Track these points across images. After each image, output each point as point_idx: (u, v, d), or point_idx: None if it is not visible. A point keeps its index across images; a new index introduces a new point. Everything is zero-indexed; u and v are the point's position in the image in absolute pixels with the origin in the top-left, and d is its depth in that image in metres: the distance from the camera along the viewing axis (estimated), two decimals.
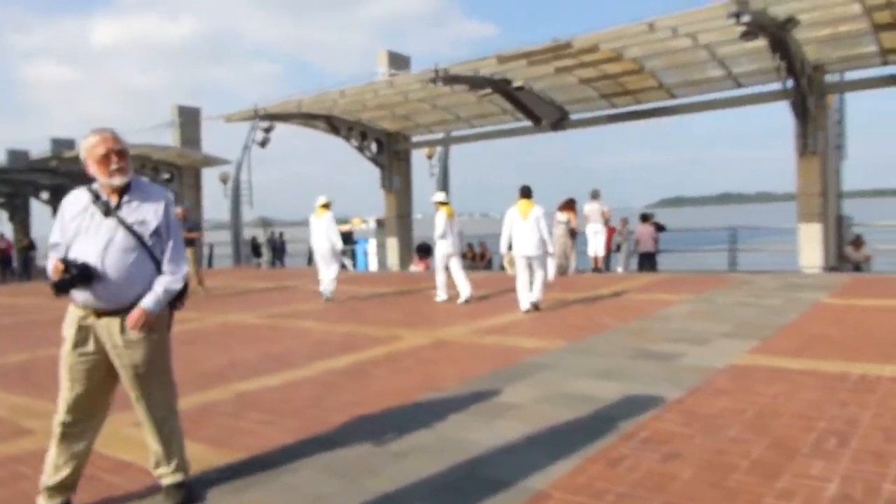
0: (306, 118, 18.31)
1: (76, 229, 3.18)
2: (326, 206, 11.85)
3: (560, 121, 17.21)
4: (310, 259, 13.99)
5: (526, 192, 9.52)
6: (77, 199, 3.29)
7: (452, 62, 13.38)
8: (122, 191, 3.25)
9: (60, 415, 3.25)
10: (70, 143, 30.15)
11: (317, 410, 4.91)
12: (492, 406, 4.78)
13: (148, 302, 3.25)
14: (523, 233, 9.33)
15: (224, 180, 25.37)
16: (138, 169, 24.09)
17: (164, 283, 3.30)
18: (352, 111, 17.96)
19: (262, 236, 25.86)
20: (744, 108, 16.22)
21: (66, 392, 3.24)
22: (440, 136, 20.46)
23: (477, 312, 9.65)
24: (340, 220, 24.88)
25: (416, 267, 19.02)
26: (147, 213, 3.26)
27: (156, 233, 3.26)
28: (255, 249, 25.42)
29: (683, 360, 6.00)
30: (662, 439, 3.91)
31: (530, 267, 9.40)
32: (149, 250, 3.24)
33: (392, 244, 20.30)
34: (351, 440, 4.15)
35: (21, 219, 32.32)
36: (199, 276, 14.26)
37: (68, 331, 3.24)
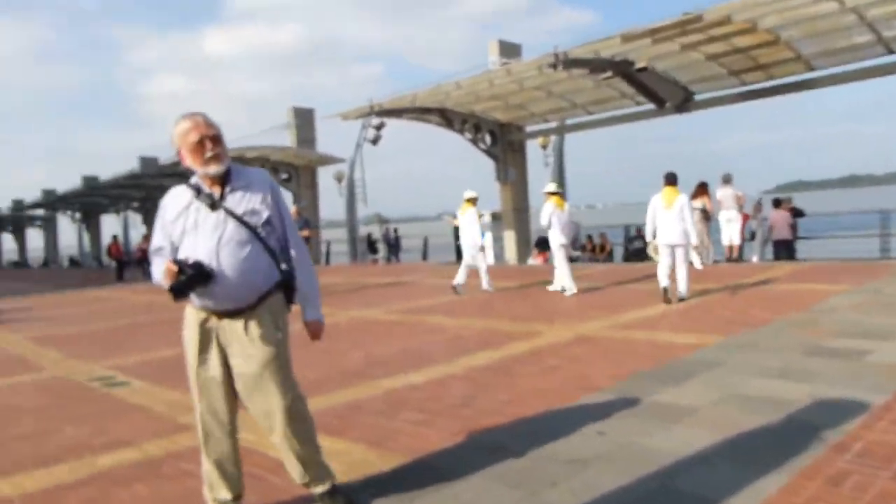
0: (420, 112, 18.27)
1: (182, 228, 2.92)
2: (472, 200, 11.70)
3: (684, 102, 16.26)
4: (459, 254, 13.91)
5: (671, 180, 9.06)
6: (178, 196, 3.01)
7: (573, 45, 12.85)
8: (223, 180, 2.96)
9: (202, 426, 3.02)
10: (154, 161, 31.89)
11: (470, 410, 4.64)
12: (663, 409, 4.34)
13: (314, 312, 3.11)
14: (667, 221, 8.94)
15: (339, 179, 25.88)
16: None
17: (306, 279, 3.09)
18: (465, 103, 17.74)
19: (377, 233, 26.20)
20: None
21: (200, 402, 3.01)
22: (554, 124, 19.90)
23: (613, 305, 9.15)
24: (453, 215, 24.84)
25: (534, 260, 18.60)
26: (255, 202, 2.97)
27: (268, 222, 2.98)
28: (371, 246, 25.77)
29: (870, 357, 5.30)
30: (886, 454, 3.35)
31: (673, 256, 8.96)
32: (262, 241, 2.95)
33: (509, 237, 19.97)
34: (517, 445, 3.84)
35: (153, 220, 34.36)
36: None
37: (190, 336, 2.99)
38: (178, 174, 28.23)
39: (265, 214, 2.98)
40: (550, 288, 11.18)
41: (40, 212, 47.48)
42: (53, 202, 41.96)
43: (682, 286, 8.95)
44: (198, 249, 2.85)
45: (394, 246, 24.84)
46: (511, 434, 4.06)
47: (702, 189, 13.57)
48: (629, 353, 6.17)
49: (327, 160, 25.16)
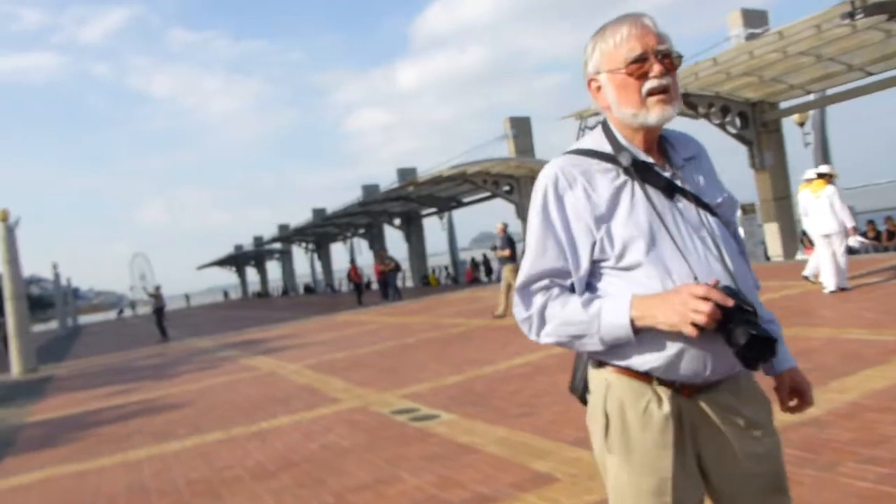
0: None
1: (627, 228, 1.59)
2: (826, 176, 9.54)
3: None
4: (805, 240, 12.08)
5: None
6: (587, 173, 1.63)
7: None
8: (658, 141, 1.72)
9: None
10: (412, 171, 32.56)
11: None
12: None
13: (788, 356, 1.73)
14: None
15: None
16: (480, 185, 24.70)
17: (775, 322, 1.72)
18: (711, 84, 15.78)
19: None
20: None
21: None
22: (812, 97, 17.21)
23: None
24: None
25: (804, 255, 16.05)
26: (714, 185, 1.74)
27: (732, 221, 1.76)
28: None
29: None
30: None
31: None
32: (744, 254, 1.74)
33: (771, 230, 17.50)
34: None
35: (379, 246, 35.72)
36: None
37: (642, 437, 1.58)
38: (401, 198, 28.97)
39: (735, 207, 1.77)
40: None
41: (277, 245, 51.82)
42: (289, 235, 45.46)
43: None
44: (683, 269, 1.57)
45: None
46: None
47: None
48: None
49: None
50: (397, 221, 33.44)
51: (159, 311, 22.24)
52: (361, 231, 37.07)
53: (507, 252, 12.98)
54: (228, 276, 71.37)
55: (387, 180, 35.23)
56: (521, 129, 25.20)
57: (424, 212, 32.26)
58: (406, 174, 32.00)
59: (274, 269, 58.95)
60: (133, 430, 7.32)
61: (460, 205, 29.99)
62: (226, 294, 70.44)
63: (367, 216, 34.74)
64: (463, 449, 4.76)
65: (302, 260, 50.89)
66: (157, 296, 22.59)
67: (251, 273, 65.05)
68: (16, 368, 16.51)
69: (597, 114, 17.56)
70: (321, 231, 41.02)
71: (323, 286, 44.62)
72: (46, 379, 14.68)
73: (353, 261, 27.56)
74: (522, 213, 25.11)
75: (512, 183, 24.88)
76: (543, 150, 25.94)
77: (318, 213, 42.19)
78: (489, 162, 23.47)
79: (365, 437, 5.51)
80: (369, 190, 35.81)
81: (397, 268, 24.66)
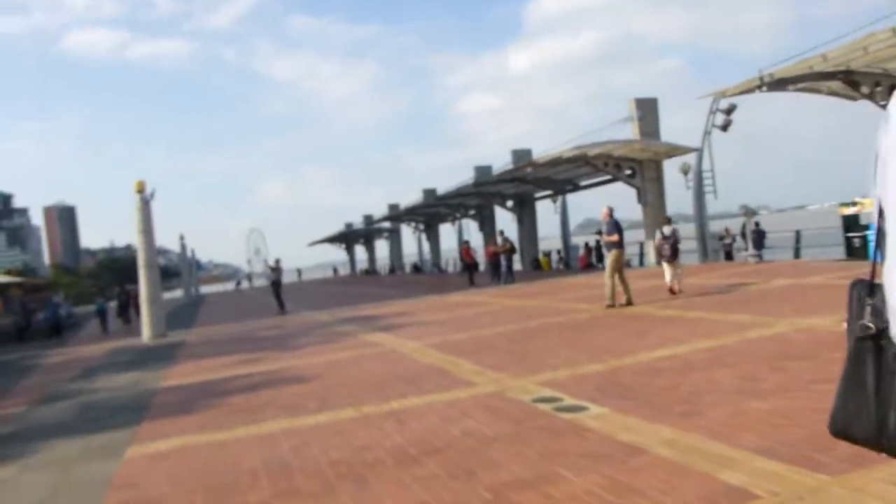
0: (815, 79, 15.14)
1: None
2: None
3: None
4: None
5: None
6: None
7: None
8: None
9: None
10: (527, 153, 31.90)
11: None
12: None
13: None
14: None
15: (684, 171, 23.49)
16: (601, 167, 23.73)
17: None
18: (881, 60, 14.16)
19: (735, 227, 23.30)
20: None
21: None
22: None
23: None
24: (844, 204, 20.83)
25: None
26: None
27: None
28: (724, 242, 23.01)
29: None
30: None
31: None
32: None
33: None
34: None
35: (489, 227, 35.34)
36: (674, 283, 12.48)
37: None
38: (516, 179, 28.39)
39: None
40: None
41: (386, 224, 52.56)
42: (399, 215, 45.95)
43: None
44: None
45: (757, 241, 21.64)
46: None
47: None
48: None
49: (676, 150, 22.92)
50: (510, 203, 32.92)
51: (277, 284, 22.81)
52: (472, 212, 36.82)
53: (614, 237, 12.19)
54: (337, 253, 73.46)
55: (496, 163, 34.67)
56: (647, 110, 23.97)
57: (538, 194, 31.55)
58: (521, 156, 31.38)
59: (381, 247, 60.13)
60: (264, 401, 7.25)
61: (577, 188, 29.06)
62: (335, 270, 72.38)
63: (478, 197, 34.44)
64: (627, 449, 4.25)
65: (410, 239, 51.30)
66: (276, 269, 23.18)
67: (360, 251, 66.54)
68: (147, 333, 17.32)
69: (743, 91, 16.32)
70: (431, 211, 41.15)
71: (430, 266, 44.81)
72: (176, 345, 15.26)
73: (466, 241, 27.28)
74: (642, 199, 23.98)
75: (634, 166, 23.78)
76: (666, 133, 24.54)
77: (429, 193, 42.31)
78: (612, 144, 22.50)
79: (509, 426, 5.09)
80: (482, 171, 35.45)
81: (513, 249, 24.15)
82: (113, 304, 29.58)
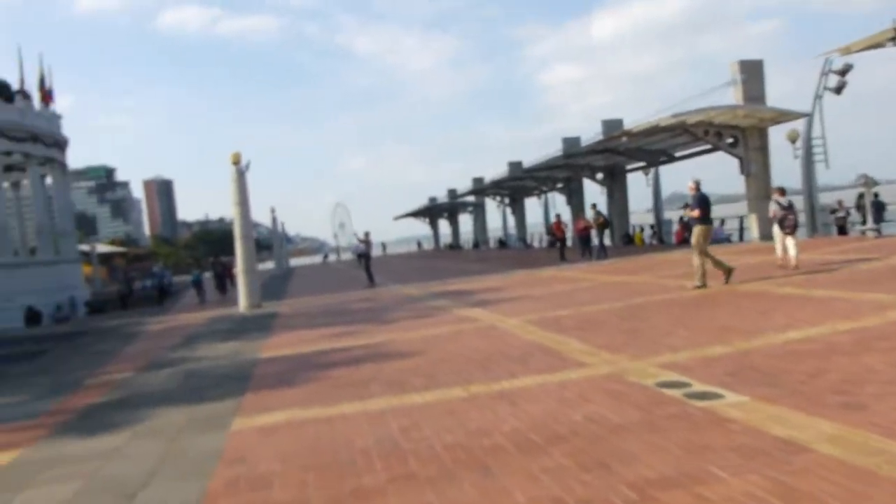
0: None
1: None
2: None
3: None
4: None
5: None
6: None
7: None
8: None
9: None
10: (618, 123, 30.66)
11: None
12: None
13: None
14: None
15: (792, 139, 21.96)
16: (700, 136, 22.47)
17: None
18: None
19: (848, 200, 21.70)
20: None
21: None
22: None
23: None
24: None
25: None
26: None
27: None
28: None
29: None
30: None
31: None
32: None
33: None
34: None
35: (577, 201, 34.40)
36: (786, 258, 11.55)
37: None
38: (607, 150, 27.38)
39: None
40: None
41: (471, 198, 52.14)
42: (484, 188, 45.42)
43: None
44: None
45: (878, 213, 20.03)
46: None
47: None
48: None
49: (784, 116, 21.42)
50: (599, 176, 31.86)
51: (367, 257, 22.87)
52: (559, 185, 35.92)
53: (696, 212, 11.29)
54: (418, 228, 73.62)
55: (581, 134, 33.54)
56: (751, 73, 22.43)
57: (630, 166, 30.37)
58: (612, 126, 30.20)
59: (465, 222, 59.77)
60: (367, 376, 7.06)
61: (671, 159, 27.74)
62: (419, 244, 72.83)
63: (567, 170, 33.50)
64: (784, 445, 3.74)
65: (493, 214, 50.72)
66: (366, 241, 23.24)
67: (443, 225, 66.55)
68: (243, 303, 17.68)
69: (870, 46, 14.88)
70: (518, 184, 40.45)
71: (515, 240, 44.20)
72: (271, 315, 15.48)
73: (558, 215, 26.49)
74: (745, 169, 22.59)
75: (736, 134, 22.38)
76: (774, 98, 22.97)
77: (515, 166, 41.59)
78: (713, 110, 21.21)
79: (637, 413, 4.65)
80: (570, 143, 34.45)
81: (606, 223, 23.33)
82: (208, 275, 30.61)
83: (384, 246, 69.55)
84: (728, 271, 11.13)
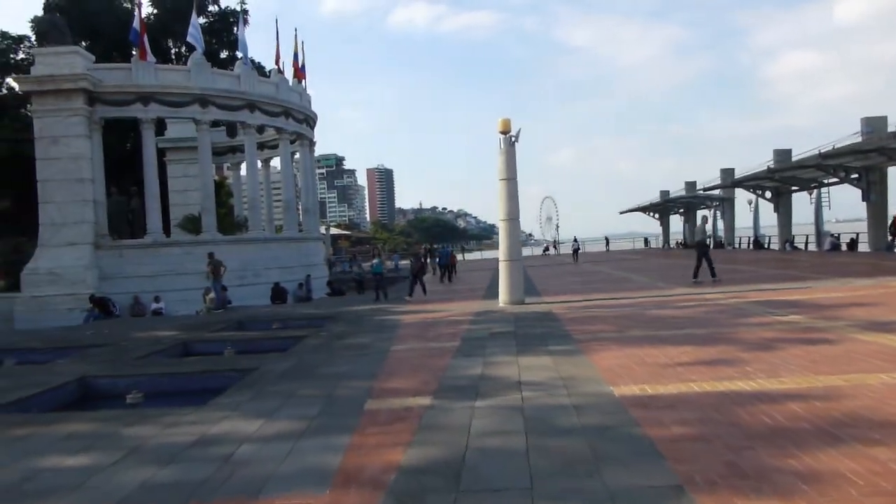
0: None
1: None
2: None
3: None
4: None
5: None
6: None
7: None
8: None
9: None
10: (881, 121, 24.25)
11: None
12: None
13: None
14: None
15: None
16: None
17: None
18: None
19: None
20: None
21: None
22: None
23: None
24: None
25: None
26: None
27: None
28: None
29: None
30: None
31: None
32: None
33: None
34: None
35: (877, 196, 28.02)
36: None
37: None
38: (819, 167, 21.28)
39: None
40: None
41: (716, 192, 46.28)
42: (741, 181, 39.57)
43: None
44: None
45: None
46: None
47: None
48: None
49: None
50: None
51: (705, 247, 18.81)
52: (854, 177, 29.55)
53: None
54: (631, 224, 68.24)
55: (815, 132, 27.17)
56: None
57: None
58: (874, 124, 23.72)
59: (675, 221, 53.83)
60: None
61: None
62: (646, 241, 67.40)
63: (866, 158, 27.34)
64: None
65: (744, 210, 44.58)
66: (706, 234, 19.29)
67: (674, 221, 60.90)
68: (503, 298, 15.13)
69: None
70: (789, 176, 34.31)
71: (781, 243, 37.74)
72: (548, 316, 12.61)
73: None
74: None
75: None
76: None
77: (782, 153, 35.49)
78: None
79: None
80: (873, 123, 28.17)
81: None
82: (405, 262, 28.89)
83: (607, 241, 65.21)
84: None
